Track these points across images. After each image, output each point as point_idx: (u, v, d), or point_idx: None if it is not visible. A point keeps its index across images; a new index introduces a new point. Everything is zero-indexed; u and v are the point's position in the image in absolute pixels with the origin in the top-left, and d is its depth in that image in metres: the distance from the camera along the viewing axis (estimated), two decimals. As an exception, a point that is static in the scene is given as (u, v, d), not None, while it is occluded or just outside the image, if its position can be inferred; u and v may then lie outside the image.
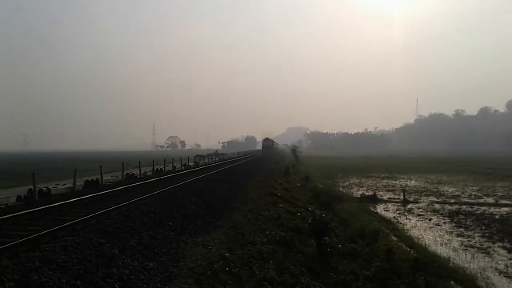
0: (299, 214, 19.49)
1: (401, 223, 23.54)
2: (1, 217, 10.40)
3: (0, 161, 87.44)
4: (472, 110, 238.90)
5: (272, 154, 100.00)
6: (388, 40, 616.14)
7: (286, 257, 11.77)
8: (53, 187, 18.86)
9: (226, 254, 9.87)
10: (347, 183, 46.93)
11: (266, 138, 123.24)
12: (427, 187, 41.92)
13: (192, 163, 44.25)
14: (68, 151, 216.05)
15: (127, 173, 26.65)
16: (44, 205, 12.41)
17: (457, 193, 36.52)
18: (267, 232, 13.82)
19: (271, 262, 10.62)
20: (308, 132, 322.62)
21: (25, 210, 11.69)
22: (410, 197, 33.67)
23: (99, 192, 15.84)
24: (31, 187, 16.37)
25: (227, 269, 8.97)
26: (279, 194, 24.59)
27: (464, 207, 28.99)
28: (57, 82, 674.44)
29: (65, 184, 20.64)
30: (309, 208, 22.21)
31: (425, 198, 33.83)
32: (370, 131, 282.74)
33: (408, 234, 20.57)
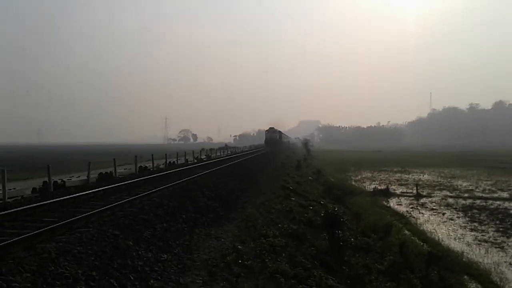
0: (311, 207, 19.47)
1: (414, 217, 23.44)
2: (17, 209, 10.55)
3: (15, 154, 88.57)
4: (486, 103, 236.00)
5: (279, 150, 75.32)
6: (402, 34, 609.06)
7: (298, 250, 11.78)
8: (67, 179, 19.04)
9: (239, 246, 9.91)
10: (359, 177, 46.77)
11: (271, 128, 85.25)
12: (440, 181, 41.63)
13: (204, 156, 44.35)
14: (81, 144, 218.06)
15: (140, 166, 26.79)
16: (59, 197, 12.55)
17: (470, 187, 36.21)
18: (280, 225, 13.84)
19: (283, 255, 10.64)
20: (320, 125, 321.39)
21: (40, 202, 11.83)
22: (423, 191, 33.47)
23: (113, 184, 15.96)
24: (46, 179, 16.53)
25: (240, 261, 9.01)
26: (291, 187, 24.57)
27: (478, 201, 28.75)
28: (71, 75, 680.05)
29: (79, 176, 20.83)
30: (321, 202, 22.18)
31: (438, 192, 33.61)
32: (383, 125, 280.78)
33: (421, 228, 20.48)
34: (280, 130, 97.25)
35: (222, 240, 10.34)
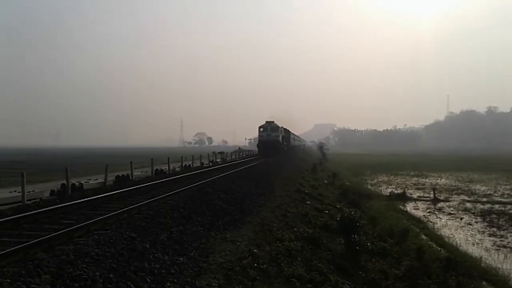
0: (327, 211, 19.37)
1: (431, 222, 23.15)
2: (36, 211, 10.74)
3: (33, 156, 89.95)
4: (505, 106, 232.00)
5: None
6: (418, 35, 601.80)
7: (314, 254, 11.72)
8: (85, 182, 19.29)
9: (255, 250, 9.90)
10: (375, 180, 46.37)
11: (269, 124, 54.26)
12: (458, 185, 41.04)
13: (220, 160, 44.51)
14: (97, 147, 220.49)
15: (156, 169, 27.02)
16: (77, 200, 12.73)
17: (489, 191, 35.62)
18: (295, 229, 13.79)
19: (299, 259, 10.59)
20: (335, 129, 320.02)
21: (59, 204, 12.02)
22: (440, 196, 33.04)
23: (130, 187, 16.15)
24: (64, 181, 16.77)
25: (255, 265, 9.00)
26: (306, 191, 24.49)
27: (496, 206, 28.28)
28: (87, 78, 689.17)
29: (96, 179, 21.08)
30: (337, 206, 22.05)
31: (456, 196, 33.13)
32: (399, 128, 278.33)
33: (439, 233, 20.22)
34: (289, 129, 67.90)
35: (238, 243, 10.34)
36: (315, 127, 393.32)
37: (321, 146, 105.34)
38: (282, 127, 57.93)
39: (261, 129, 53.97)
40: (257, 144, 55.77)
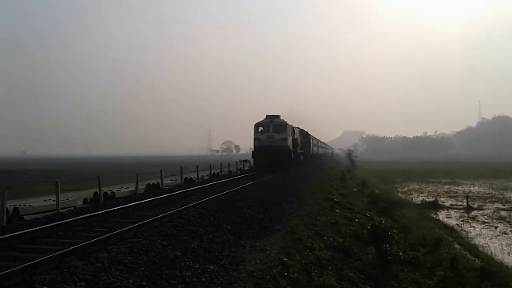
0: (357, 220, 19.17)
1: (464, 231, 22.65)
2: (71, 219, 11.01)
3: (65, 165, 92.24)
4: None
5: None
6: (447, 38, 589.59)
7: (345, 264, 11.61)
8: (116, 190, 19.66)
9: (285, 259, 9.87)
10: (406, 188, 45.64)
11: (271, 119, 32.30)
12: (492, 193, 39.98)
13: (248, 168, 44.65)
14: (127, 156, 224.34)
15: (185, 177, 27.30)
16: (110, 208, 12.99)
17: (525, 200, 34.58)
18: (325, 237, 13.69)
19: (329, 268, 10.51)
20: (364, 136, 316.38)
21: (92, 212, 12.28)
22: (473, 204, 32.27)
23: (160, 195, 16.37)
24: (96, 190, 17.14)
25: (285, 274, 8.98)
26: (335, 199, 24.28)
27: (533, 215, 27.42)
28: (116, 89, 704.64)
29: (127, 187, 21.46)
30: (367, 214, 21.79)
31: (490, 205, 32.29)
32: (430, 135, 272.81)
33: (473, 242, 19.77)
34: (308, 132, 49.59)
35: (268, 252, 10.33)
36: (343, 134, 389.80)
37: (349, 154, 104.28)
38: (293, 126, 35.58)
39: (259, 129, 32.30)
40: (252, 152, 33.59)
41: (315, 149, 62.29)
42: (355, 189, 36.61)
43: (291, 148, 33.23)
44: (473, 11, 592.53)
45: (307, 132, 47.96)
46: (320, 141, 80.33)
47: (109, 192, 18.41)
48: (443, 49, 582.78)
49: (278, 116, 32.80)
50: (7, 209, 12.24)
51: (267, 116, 32.78)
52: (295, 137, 36.01)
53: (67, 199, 16.29)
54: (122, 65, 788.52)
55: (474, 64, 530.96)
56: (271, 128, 32.05)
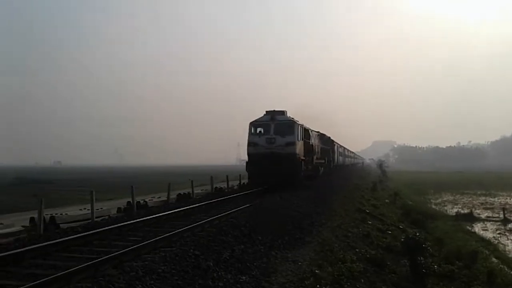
0: (390, 232, 18.83)
1: (502, 244, 21.96)
2: (105, 228, 11.23)
3: (99, 175, 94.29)
4: None
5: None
6: (478, 45, 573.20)
7: (377, 276, 11.42)
8: (149, 200, 19.96)
9: (316, 271, 9.78)
10: (439, 200, 44.59)
11: (271, 117, 23.64)
12: (530, 205, 38.58)
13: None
14: (157, 165, 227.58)
15: (215, 187, 27.46)
16: (143, 217, 13.19)
17: None
18: (357, 249, 13.51)
19: (362, 281, 10.36)
20: (395, 146, 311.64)
21: (126, 221, 12.50)
22: (511, 216, 31.20)
23: (191, 205, 16.52)
24: (130, 199, 17.42)
25: (317, 286, 8.90)
26: (367, 210, 23.95)
27: None
28: (146, 100, 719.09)
29: (159, 197, 21.74)
30: (400, 226, 21.39)
31: (528, 217, 31.17)
32: (463, 145, 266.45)
33: (511, 255, 19.11)
34: (331, 137, 42.41)
35: (299, 263, 10.26)
36: (374, 144, 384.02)
37: (380, 164, 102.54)
38: (308, 128, 28.17)
39: (257, 129, 24.52)
40: (246, 163, 24.54)
41: (340, 158, 55.08)
42: (387, 200, 35.96)
43: (302, 157, 24.77)
44: (507, 13, 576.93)
45: (329, 137, 40.59)
46: (348, 150, 71.42)
47: (141, 202, 18.69)
48: (472, 58, 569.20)
49: (282, 112, 24.35)
50: (44, 217, 12.57)
51: (267, 112, 24.46)
52: (311, 142, 28.22)
53: (101, 208, 16.61)
54: (154, 79, 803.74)
55: (508, 72, 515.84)
56: (272, 129, 23.62)
